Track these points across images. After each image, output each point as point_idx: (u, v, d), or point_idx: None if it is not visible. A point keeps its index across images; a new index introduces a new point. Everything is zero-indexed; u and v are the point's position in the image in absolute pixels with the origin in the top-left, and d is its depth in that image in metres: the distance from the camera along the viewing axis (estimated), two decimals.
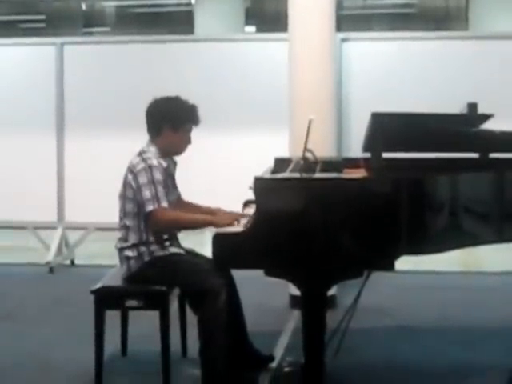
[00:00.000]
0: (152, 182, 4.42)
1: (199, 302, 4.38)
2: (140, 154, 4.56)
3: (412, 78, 7.35)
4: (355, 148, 5.12)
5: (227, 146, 7.67)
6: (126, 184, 4.53)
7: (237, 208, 4.82)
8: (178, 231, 4.67)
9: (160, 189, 4.43)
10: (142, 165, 4.48)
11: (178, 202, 4.81)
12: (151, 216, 4.42)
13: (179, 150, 4.66)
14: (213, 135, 7.42)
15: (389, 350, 5.27)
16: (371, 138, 4.40)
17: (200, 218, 4.64)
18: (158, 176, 4.45)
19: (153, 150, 4.57)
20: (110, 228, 5.49)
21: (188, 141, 4.66)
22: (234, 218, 4.46)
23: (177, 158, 4.73)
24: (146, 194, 4.41)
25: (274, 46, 7.47)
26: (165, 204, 4.43)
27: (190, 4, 17.26)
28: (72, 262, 8.29)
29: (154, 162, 4.49)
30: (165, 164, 4.55)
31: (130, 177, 4.50)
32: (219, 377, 4.36)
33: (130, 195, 4.50)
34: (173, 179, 4.71)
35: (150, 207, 4.40)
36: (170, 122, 4.57)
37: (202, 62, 7.74)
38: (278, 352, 5.06)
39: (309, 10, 6.27)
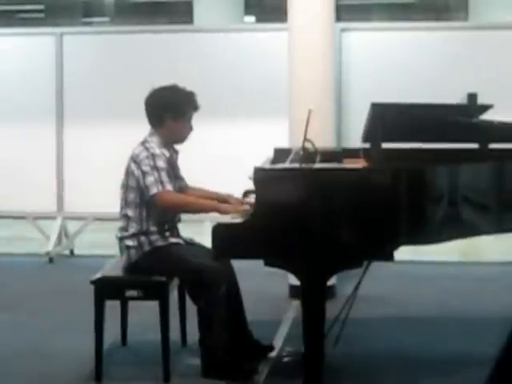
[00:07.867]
0: (155, 168, 4.44)
1: (199, 291, 4.40)
2: (143, 143, 4.58)
3: (412, 68, 7.34)
4: (355, 138, 5.11)
5: (227, 137, 7.67)
6: (128, 173, 4.54)
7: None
8: (184, 213, 4.69)
9: (163, 174, 4.45)
10: (144, 153, 4.49)
11: (186, 190, 4.82)
12: (156, 198, 4.43)
13: (182, 138, 4.68)
14: (212, 126, 7.42)
15: (388, 339, 5.28)
16: (371, 129, 4.40)
17: (206, 202, 4.64)
18: (161, 164, 4.47)
19: (155, 140, 4.58)
20: (109, 218, 5.50)
21: (190, 128, 4.67)
22: (240, 207, 4.47)
23: (178, 148, 4.73)
24: (150, 178, 4.43)
25: (274, 36, 7.45)
26: (169, 187, 4.44)
27: None
28: (71, 252, 8.29)
29: (157, 151, 4.50)
30: (167, 154, 4.57)
31: (132, 166, 4.50)
32: (219, 366, 4.38)
33: (133, 184, 4.50)
34: (176, 169, 4.72)
35: (154, 190, 4.41)
36: (172, 111, 4.58)
37: (202, 53, 7.72)
38: (278, 342, 5.06)
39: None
